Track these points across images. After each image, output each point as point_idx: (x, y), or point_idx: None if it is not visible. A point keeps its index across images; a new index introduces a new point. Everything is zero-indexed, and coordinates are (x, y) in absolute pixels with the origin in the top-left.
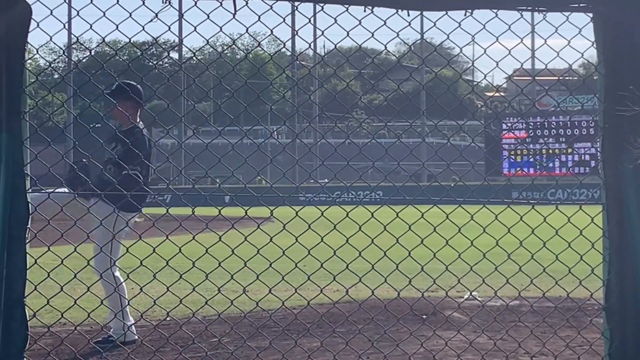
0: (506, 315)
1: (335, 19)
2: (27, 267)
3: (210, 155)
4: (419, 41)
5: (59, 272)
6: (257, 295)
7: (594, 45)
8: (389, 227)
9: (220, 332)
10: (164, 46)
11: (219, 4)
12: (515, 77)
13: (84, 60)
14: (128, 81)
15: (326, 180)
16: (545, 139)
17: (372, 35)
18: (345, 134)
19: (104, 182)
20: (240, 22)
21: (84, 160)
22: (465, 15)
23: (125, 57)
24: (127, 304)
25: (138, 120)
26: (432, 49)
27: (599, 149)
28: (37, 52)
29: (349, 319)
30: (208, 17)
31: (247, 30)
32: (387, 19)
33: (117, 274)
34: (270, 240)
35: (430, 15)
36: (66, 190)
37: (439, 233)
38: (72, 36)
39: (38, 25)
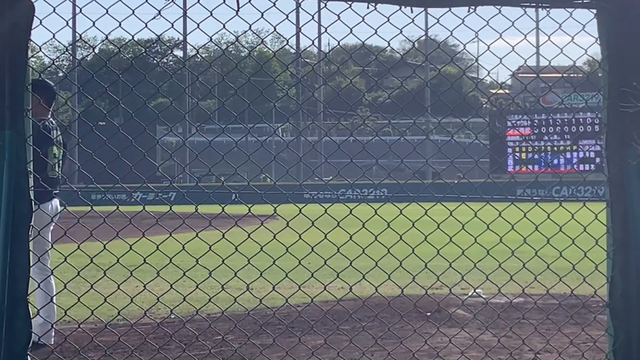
0: (510, 312)
1: (338, 16)
2: (30, 265)
3: (214, 153)
4: (422, 38)
5: (62, 270)
6: (260, 292)
7: (598, 41)
8: (392, 225)
9: (224, 330)
10: (167, 44)
11: (222, 1)
12: (519, 74)
13: (88, 58)
14: (39, 78)
15: (330, 177)
16: (550, 136)
17: (376, 32)
18: (350, 131)
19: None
20: (243, 20)
21: None
22: (468, 11)
23: (129, 55)
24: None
25: (47, 117)
26: (436, 45)
27: (603, 146)
28: (41, 49)
29: (353, 316)
30: (211, 14)
31: (250, 27)
32: (391, 15)
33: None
34: (274, 237)
35: (434, 12)
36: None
37: (442, 230)
38: (76, 34)
39: (41, 22)
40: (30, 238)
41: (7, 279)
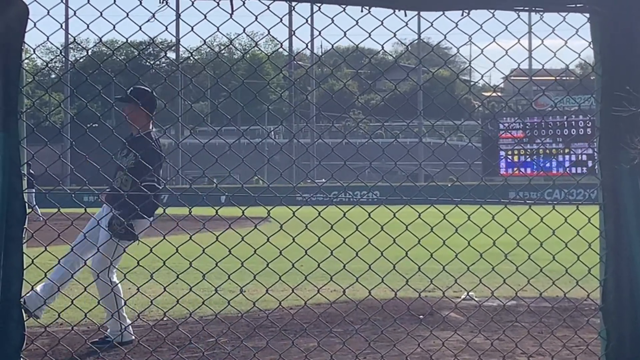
0: (503, 316)
1: (332, 19)
2: (24, 267)
3: (207, 155)
4: (416, 41)
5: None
6: (254, 295)
7: (591, 45)
8: (386, 227)
9: (217, 332)
10: (161, 46)
11: (216, 3)
12: (512, 77)
13: (81, 60)
14: (143, 87)
15: (323, 180)
16: (543, 139)
17: (369, 35)
18: (343, 134)
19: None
20: (237, 22)
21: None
22: (462, 15)
23: (122, 57)
24: (123, 304)
25: (151, 128)
26: (429, 49)
27: (595, 149)
28: (34, 52)
29: (346, 319)
30: (205, 17)
31: (244, 30)
32: (384, 19)
33: (115, 278)
34: (267, 240)
35: (427, 16)
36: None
37: (435, 233)
38: (69, 36)
39: (35, 25)
40: (24, 241)
41: (1, 281)
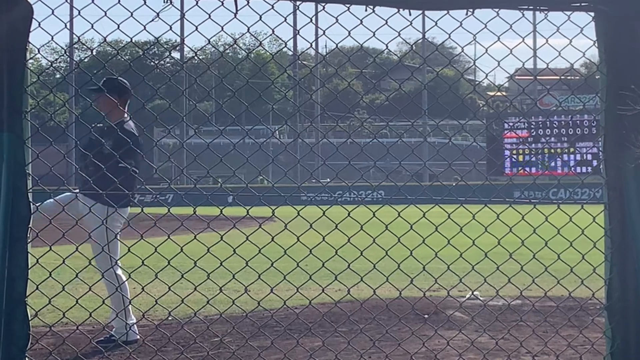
0: (508, 315)
1: (336, 18)
2: (29, 266)
3: (211, 155)
4: (420, 40)
5: (60, 272)
6: (258, 294)
7: (596, 44)
8: (390, 227)
9: (221, 332)
10: (165, 46)
11: (221, 3)
12: (516, 77)
13: (85, 60)
14: (112, 76)
15: (328, 179)
16: (547, 138)
17: (374, 34)
18: (347, 133)
19: (98, 179)
20: (241, 22)
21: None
22: (466, 14)
23: (126, 57)
24: (129, 303)
25: (125, 116)
26: (433, 48)
27: (600, 148)
28: (39, 51)
29: (351, 318)
30: (209, 16)
31: (248, 29)
32: (389, 18)
33: (120, 272)
34: (272, 239)
35: (431, 15)
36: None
37: (440, 232)
38: (74, 36)
39: (39, 24)
40: (29, 240)
41: (5, 281)
